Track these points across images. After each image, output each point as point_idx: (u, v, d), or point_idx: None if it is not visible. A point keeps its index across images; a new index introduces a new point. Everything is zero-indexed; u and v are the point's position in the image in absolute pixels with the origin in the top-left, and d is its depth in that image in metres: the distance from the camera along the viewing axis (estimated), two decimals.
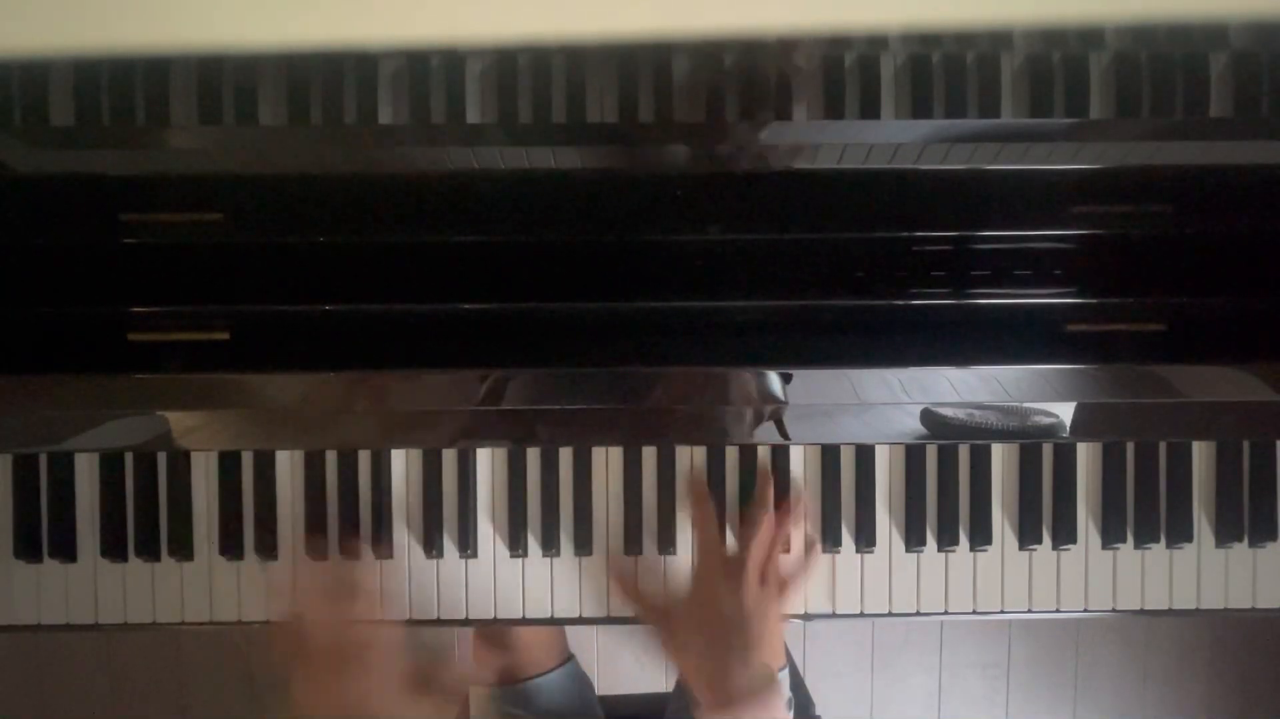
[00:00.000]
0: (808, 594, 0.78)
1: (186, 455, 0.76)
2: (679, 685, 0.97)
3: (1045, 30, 0.70)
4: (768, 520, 0.73)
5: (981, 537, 0.77)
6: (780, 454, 0.77)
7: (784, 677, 0.93)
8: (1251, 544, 0.78)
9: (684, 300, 0.72)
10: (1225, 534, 0.77)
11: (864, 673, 1.55)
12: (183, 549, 0.76)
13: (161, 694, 1.55)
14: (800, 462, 0.78)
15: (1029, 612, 0.79)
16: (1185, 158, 0.70)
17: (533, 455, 0.77)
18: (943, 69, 0.72)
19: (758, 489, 0.76)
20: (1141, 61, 0.71)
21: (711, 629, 0.69)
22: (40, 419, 0.73)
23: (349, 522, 0.76)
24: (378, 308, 0.71)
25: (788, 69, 0.72)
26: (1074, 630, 1.60)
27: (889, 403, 0.73)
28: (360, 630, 0.69)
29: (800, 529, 0.76)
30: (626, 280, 0.71)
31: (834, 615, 0.78)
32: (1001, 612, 0.79)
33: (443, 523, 0.77)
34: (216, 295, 0.71)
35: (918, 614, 0.78)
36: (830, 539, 0.78)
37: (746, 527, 0.74)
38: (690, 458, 0.78)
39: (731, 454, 0.78)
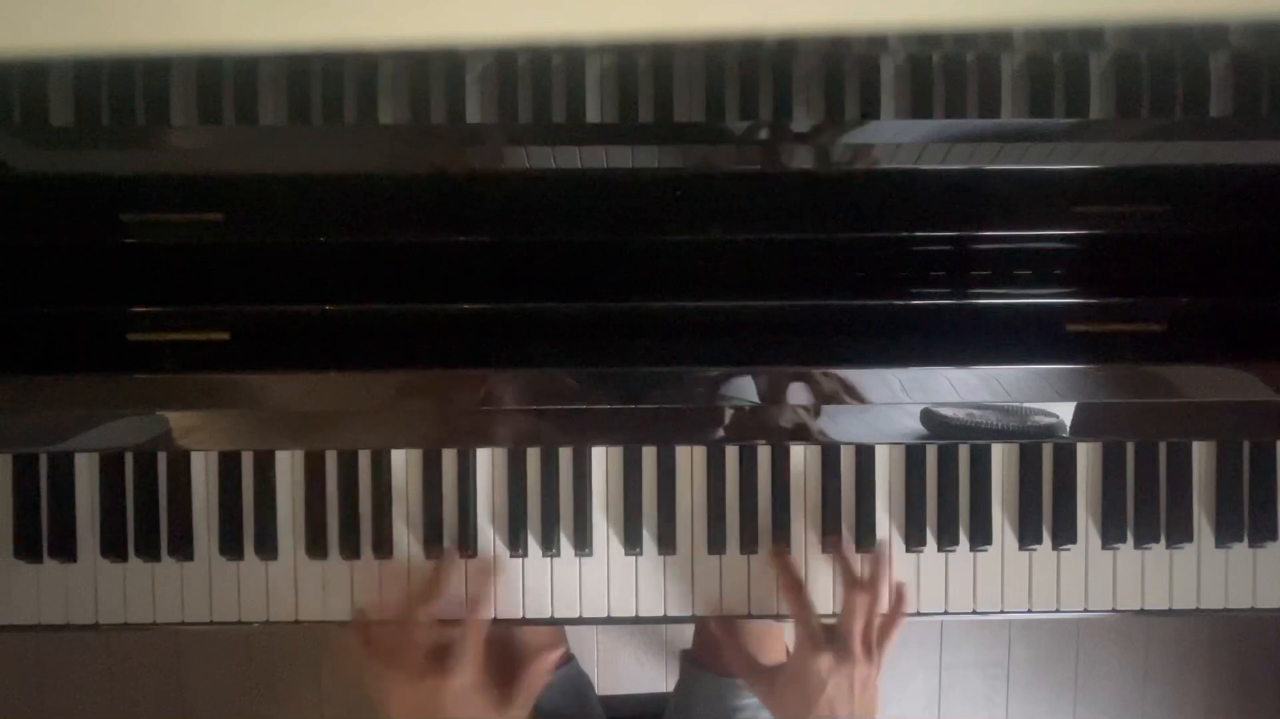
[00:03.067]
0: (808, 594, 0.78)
1: (186, 455, 0.76)
2: (679, 685, 0.97)
3: (1045, 30, 0.70)
4: (866, 595, 0.73)
5: (981, 537, 0.77)
6: (780, 454, 0.77)
7: None
8: (1251, 544, 0.78)
9: (684, 300, 0.72)
10: (1225, 534, 0.77)
11: None
12: (183, 549, 0.76)
13: (161, 694, 1.55)
14: (800, 461, 0.78)
15: (1029, 612, 0.79)
16: (1185, 158, 0.70)
17: (533, 455, 0.77)
18: (943, 69, 0.72)
19: (846, 569, 0.75)
20: (1141, 61, 0.71)
21: (819, 701, 0.70)
22: (40, 419, 0.73)
23: (349, 522, 0.76)
24: (378, 308, 0.71)
25: (787, 69, 0.72)
26: (1074, 630, 1.60)
27: (889, 403, 0.73)
28: (444, 632, 0.71)
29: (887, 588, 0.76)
30: (626, 280, 0.71)
31: (834, 615, 0.78)
32: (1001, 612, 0.79)
33: (443, 523, 0.77)
34: (216, 295, 0.71)
35: (918, 614, 0.78)
36: (831, 539, 0.77)
37: (849, 610, 0.73)
38: (690, 458, 0.78)
39: (732, 454, 0.78)
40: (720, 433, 0.75)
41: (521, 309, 0.72)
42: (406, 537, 0.77)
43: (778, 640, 0.95)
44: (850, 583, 0.74)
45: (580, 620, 0.78)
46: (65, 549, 0.76)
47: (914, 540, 0.78)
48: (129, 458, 0.76)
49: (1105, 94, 0.72)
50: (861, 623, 0.72)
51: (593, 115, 0.72)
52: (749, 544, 0.77)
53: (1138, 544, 0.78)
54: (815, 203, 0.72)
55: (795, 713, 0.72)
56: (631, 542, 0.77)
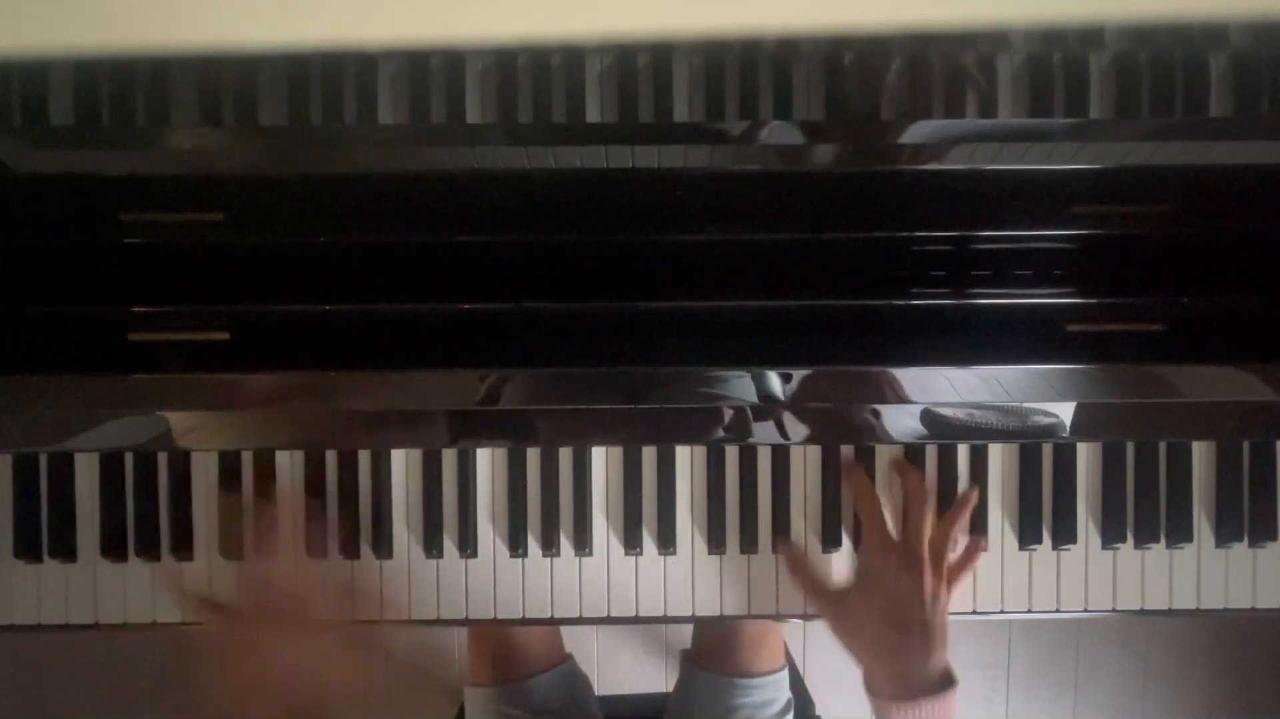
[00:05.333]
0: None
1: (186, 455, 0.76)
2: (679, 685, 0.97)
3: (1045, 30, 0.70)
4: (946, 517, 0.73)
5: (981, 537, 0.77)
6: (780, 454, 0.77)
7: (784, 677, 0.93)
8: (1251, 544, 0.78)
9: (684, 300, 0.72)
10: (1225, 534, 0.77)
11: (864, 692, 1.54)
12: (183, 549, 0.76)
13: (161, 694, 1.55)
14: (801, 461, 0.78)
15: (1029, 612, 0.79)
16: (1185, 158, 0.70)
17: (533, 455, 0.77)
18: (943, 69, 0.72)
19: (916, 486, 0.75)
20: (1141, 61, 0.71)
21: (891, 619, 0.70)
22: (40, 419, 0.73)
23: (349, 522, 0.76)
24: (378, 308, 0.71)
25: (787, 69, 0.72)
26: (1074, 630, 1.60)
27: (889, 403, 0.73)
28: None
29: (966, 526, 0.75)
30: (626, 280, 0.71)
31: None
32: (1001, 612, 0.79)
33: (443, 523, 0.77)
34: (216, 295, 0.71)
35: None
36: (829, 539, 0.78)
37: (919, 521, 0.73)
38: (690, 458, 0.78)
39: (732, 454, 0.78)
40: (720, 433, 0.75)
41: (521, 309, 0.72)
42: (407, 537, 0.77)
43: (778, 640, 0.95)
44: (920, 498, 0.73)
45: (580, 620, 0.78)
46: (65, 549, 0.76)
47: None
48: (129, 458, 0.76)
49: (1105, 94, 0.72)
50: (932, 535, 0.72)
51: (593, 115, 0.72)
52: (749, 544, 0.77)
53: (1138, 544, 0.78)
54: (815, 203, 0.72)
55: (862, 627, 0.71)
56: (631, 542, 0.77)
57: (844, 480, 0.77)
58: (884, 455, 0.78)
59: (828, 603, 0.75)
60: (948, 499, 0.77)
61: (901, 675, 0.68)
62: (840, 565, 0.78)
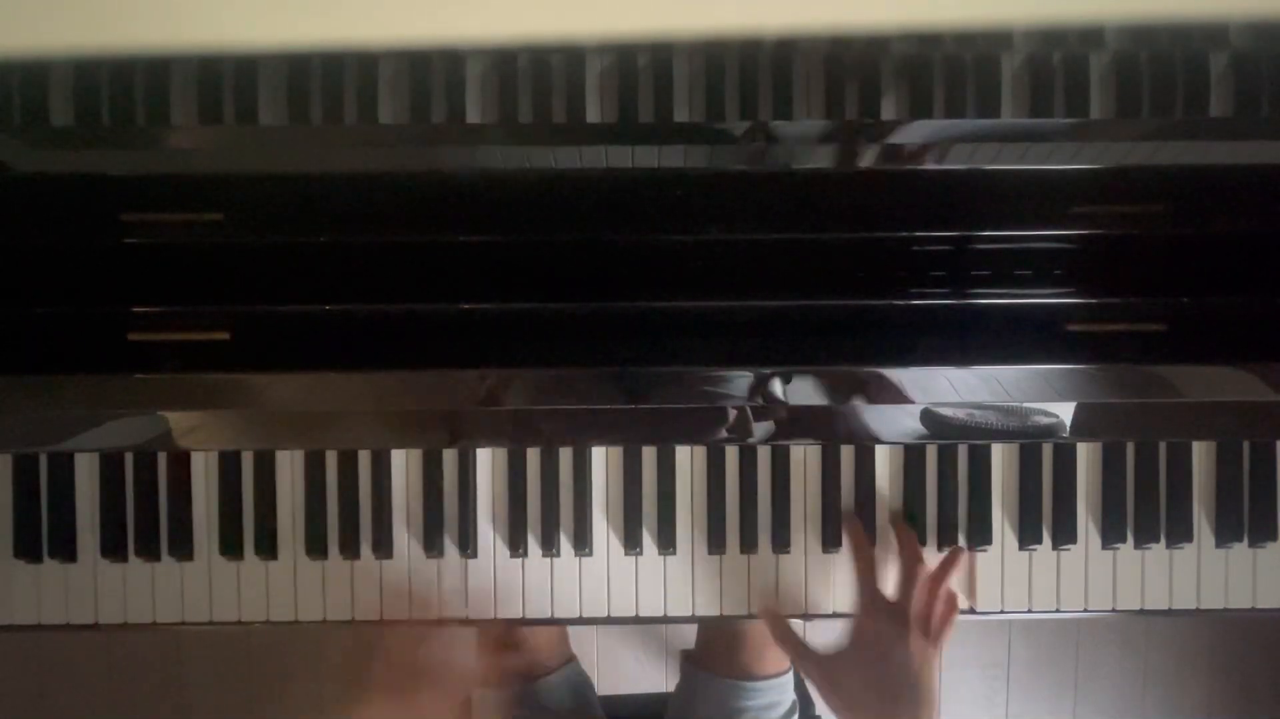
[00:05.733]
0: (808, 594, 0.78)
1: (186, 455, 0.76)
2: (680, 686, 0.97)
3: (1045, 30, 0.70)
4: (931, 575, 0.73)
5: (981, 537, 0.77)
6: (780, 454, 0.77)
7: (789, 679, 0.93)
8: (1251, 544, 0.78)
9: (684, 300, 0.72)
10: (1225, 534, 0.77)
11: None
12: (183, 549, 0.76)
13: (161, 694, 1.55)
14: (801, 461, 0.78)
15: (1029, 612, 0.79)
16: (1185, 158, 0.70)
17: (533, 455, 0.77)
18: (943, 69, 0.72)
19: (906, 539, 0.75)
20: (1141, 61, 0.71)
21: (878, 679, 0.69)
22: (40, 419, 0.73)
23: (349, 522, 0.76)
24: (378, 308, 0.71)
25: (787, 69, 0.72)
26: (1074, 630, 1.60)
27: (888, 403, 0.73)
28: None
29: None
30: (626, 280, 0.71)
31: (835, 615, 0.78)
32: (1001, 612, 0.79)
33: (443, 523, 0.77)
34: (216, 295, 0.71)
35: None
36: (829, 540, 0.78)
37: (908, 580, 0.73)
38: (690, 458, 0.78)
39: (732, 454, 0.78)
40: (720, 433, 0.75)
41: (521, 309, 0.72)
42: (406, 537, 0.77)
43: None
44: (913, 561, 0.73)
45: (580, 620, 0.78)
46: (65, 549, 0.76)
47: None
48: (129, 458, 0.76)
49: (1105, 94, 0.72)
50: (923, 599, 0.71)
51: (593, 115, 0.72)
52: (749, 544, 0.77)
53: (1138, 544, 0.78)
54: (815, 203, 0.72)
55: (853, 690, 0.71)
56: (631, 542, 0.77)
57: (844, 532, 0.77)
58: (882, 455, 0.78)
59: (814, 665, 0.74)
60: (948, 496, 0.77)
61: None
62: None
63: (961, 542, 0.78)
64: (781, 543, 0.77)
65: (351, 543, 0.76)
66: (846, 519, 0.77)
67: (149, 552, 0.76)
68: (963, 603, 0.76)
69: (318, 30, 0.22)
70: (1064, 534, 0.77)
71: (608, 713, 0.96)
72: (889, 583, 0.75)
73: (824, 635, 0.75)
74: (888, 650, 0.70)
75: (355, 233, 0.71)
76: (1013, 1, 0.22)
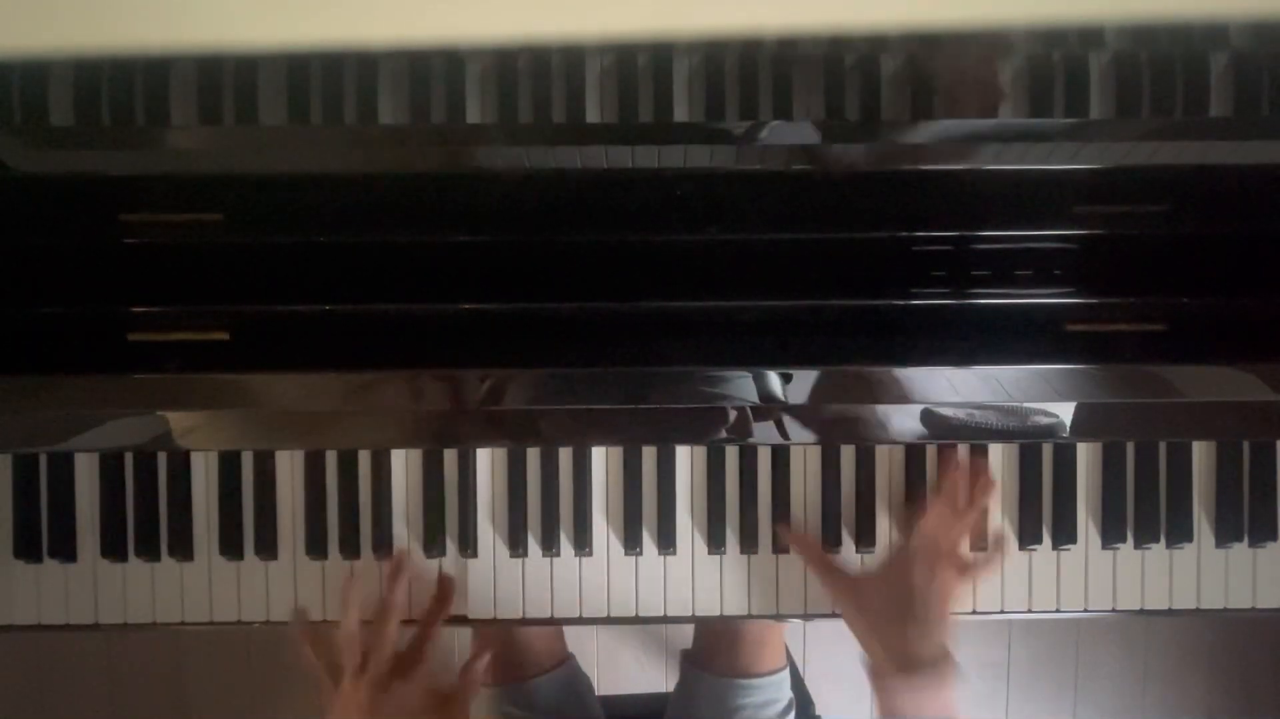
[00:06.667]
0: (808, 594, 0.78)
1: (186, 455, 0.76)
2: (679, 686, 0.97)
3: (1045, 30, 0.70)
4: (962, 508, 0.74)
5: (981, 537, 0.77)
6: (780, 454, 0.77)
7: (785, 677, 0.93)
8: (1251, 544, 0.78)
9: (684, 300, 0.72)
10: (1225, 534, 0.77)
11: (864, 673, 1.54)
12: (183, 549, 0.76)
13: (161, 694, 1.55)
14: (800, 461, 0.78)
15: (1029, 612, 0.79)
16: (1185, 158, 0.70)
17: (533, 455, 0.77)
18: (943, 69, 0.72)
19: (949, 478, 0.76)
20: (1141, 61, 0.71)
21: (897, 596, 0.71)
22: (40, 419, 0.73)
23: (349, 522, 0.76)
24: (378, 308, 0.71)
25: (787, 69, 0.72)
26: (1074, 630, 1.60)
27: (889, 403, 0.73)
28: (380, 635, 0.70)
29: (989, 523, 0.77)
30: (626, 280, 0.71)
31: (834, 615, 0.78)
32: (1001, 612, 0.79)
33: (443, 523, 0.77)
34: (216, 295, 0.71)
35: None
36: (830, 539, 0.78)
37: (941, 509, 0.74)
38: (690, 458, 0.78)
39: (732, 454, 0.78)
40: (720, 433, 0.75)
41: (521, 309, 0.72)
42: (406, 537, 0.77)
43: (779, 641, 0.95)
44: (947, 494, 0.74)
45: (580, 620, 0.78)
46: (65, 549, 0.76)
47: None
48: (129, 458, 0.76)
49: (1105, 94, 0.72)
50: (954, 534, 0.73)
51: (593, 115, 0.72)
52: (749, 544, 0.77)
53: (1138, 544, 0.78)
54: (815, 203, 0.72)
55: (870, 615, 0.72)
56: (631, 542, 0.77)
57: (941, 467, 0.77)
58: (882, 455, 0.78)
59: (841, 586, 0.75)
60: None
61: (899, 649, 0.69)
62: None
63: (961, 541, 0.78)
64: (781, 543, 0.77)
65: (351, 543, 0.76)
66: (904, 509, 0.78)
67: (149, 552, 0.76)
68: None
69: (318, 30, 0.22)
70: (1064, 534, 0.77)
71: (607, 713, 0.96)
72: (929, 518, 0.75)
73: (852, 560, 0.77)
74: (909, 578, 0.71)
75: (355, 233, 0.71)
76: (1013, 1, 0.22)
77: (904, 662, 0.68)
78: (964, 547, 0.75)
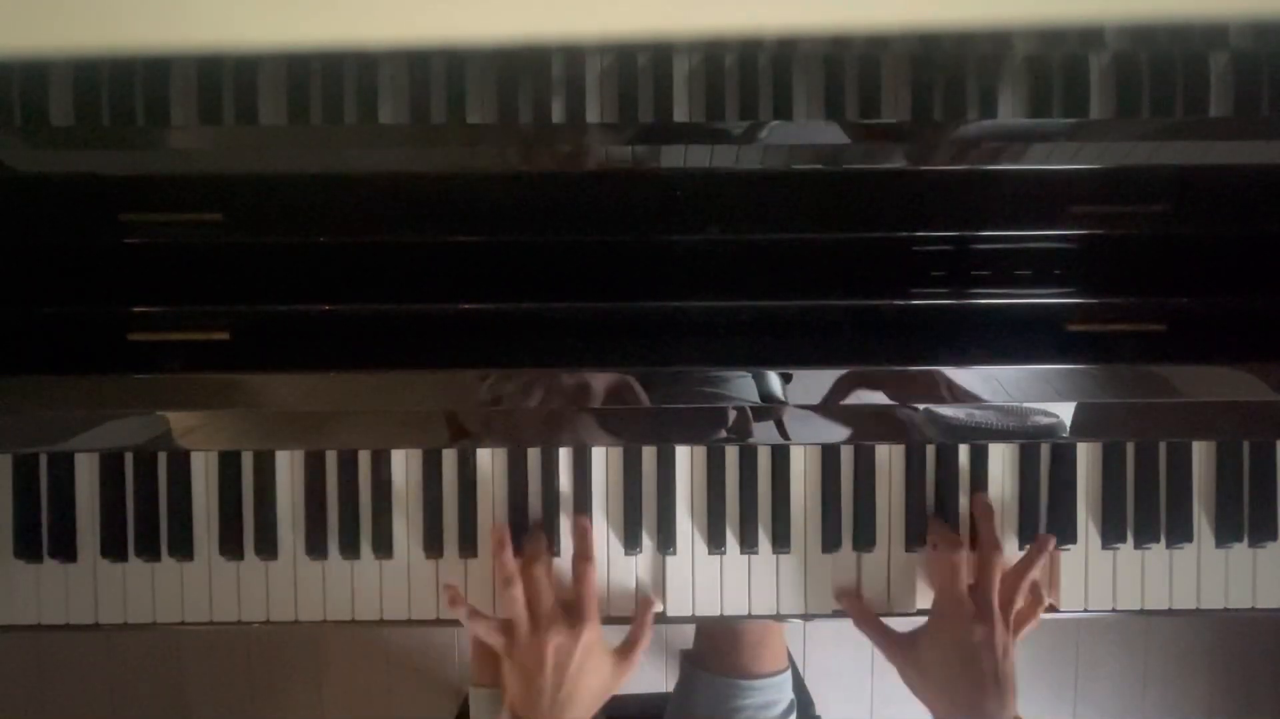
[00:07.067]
0: (808, 594, 0.78)
1: (186, 455, 0.76)
2: (679, 685, 0.97)
3: (1045, 30, 0.70)
4: (1016, 567, 0.74)
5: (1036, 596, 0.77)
6: (780, 454, 0.77)
7: (787, 678, 0.93)
8: (1251, 544, 0.78)
9: (684, 300, 0.72)
10: (1225, 534, 0.77)
11: (864, 673, 1.54)
12: (183, 549, 0.76)
13: (161, 694, 1.55)
14: (801, 461, 0.78)
15: None
16: (1185, 158, 0.70)
17: (533, 455, 0.77)
18: (943, 69, 0.72)
19: (988, 529, 0.75)
20: (1141, 61, 0.71)
21: (961, 662, 0.71)
22: (40, 419, 0.73)
23: (349, 522, 0.76)
24: (378, 308, 0.71)
25: (787, 69, 0.72)
26: (1074, 630, 1.60)
27: (889, 403, 0.73)
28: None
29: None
30: (626, 280, 0.71)
31: (834, 615, 0.78)
32: None
33: (443, 523, 0.77)
34: (216, 295, 0.71)
35: (917, 614, 0.78)
36: (829, 540, 0.78)
37: (991, 570, 0.73)
38: (690, 458, 0.78)
39: (732, 454, 0.78)
40: (720, 433, 0.75)
41: (521, 309, 0.72)
42: (406, 537, 0.77)
43: (780, 641, 0.95)
44: (992, 549, 0.74)
45: None
46: (65, 549, 0.76)
47: (913, 540, 0.78)
48: (129, 458, 0.76)
49: (1105, 94, 0.72)
50: (1004, 589, 0.72)
51: (593, 115, 0.72)
52: (749, 544, 0.77)
53: (1138, 544, 0.78)
54: (815, 203, 0.72)
55: (935, 674, 0.72)
56: (631, 542, 0.77)
57: (929, 529, 0.77)
58: (882, 455, 0.78)
59: (898, 649, 0.75)
60: (948, 497, 0.77)
61: (973, 716, 0.69)
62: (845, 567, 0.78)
63: (1017, 600, 0.77)
64: (782, 543, 0.77)
65: (351, 543, 0.76)
66: (932, 521, 0.78)
67: (149, 552, 0.76)
68: (1045, 599, 0.76)
69: (318, 30, 0.22)
70: (1064, 534, 0.77)
71: (607, 713, 0.96)
72: (969, 573, 0.75)
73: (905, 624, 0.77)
74: (971, 637, 0.71)
75: (355, 233, 0.71)
76: (1013, 1, 0.22)
77: None
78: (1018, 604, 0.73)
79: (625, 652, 0.75)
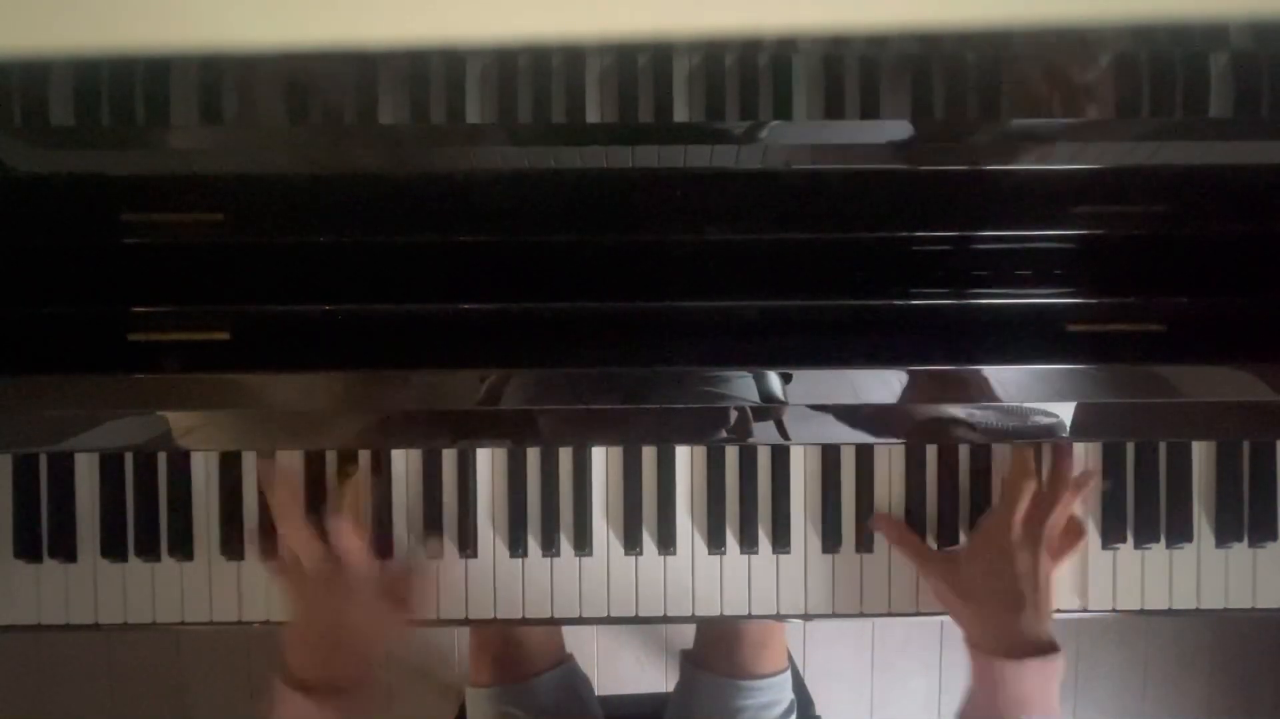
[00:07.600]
0: (808, 594, 0.78)
1: (186, 455, 0.76)
2: (679, 686, 0.97)
3: (1045, 30, 0.70)
4: (1064, 499, 0.73)
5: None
6: (780, 454, 0.77)
7: (787, 678, 0.93)
8: (1251, 544, 0.78)
9: (684, 300, 0.72)
10: (1225, 534, 0.77)
11: (864, 673, 1.55)
12: (183, 549, 0.76)
13: (161, 694, 1.55)
14: (800, 461, 0.78)
15: None
16: (1185, 158, 0.70)
17: (533, 455, 0.77)
18: (942, 69, 0.72)
19: (1059, 465, 0.75)
20: (1141, 61, 0.71)
21: (1002, 581, 0.70)
22: (40, 419, 0.73)
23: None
24: (378, 308, 0.71)
25: (787, 69, 0.72)
26: (1074, 630, 1.60)
27: (889, 403, 0.73)
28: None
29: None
30: (626, 280, 0.71)
31: (834, 615, 0.78)
32: None
33: (443, 523, 0.77)
34: (216, 295, 0.71)
35: (917, 614, 0.78)
36: (829, 540, 0.78)
37: (1050, 498, 0.73)
38: (690, 458, 0.78)
39: (732, 454, 0.78)
40: (720, 433, 0.75)
41: (521, 309, 0.72)
42: (407, 537, 0.77)
43: (780, 642, 0.95)
44: (1058, 489, 0.73)
45: (580, 620, 0.78)
46: (65, 549, 0.76)
47: None
48: (129, 458, 0.76)
49: (1105, 94, 0.72)
50: (1047, 515, 0.72)
51: (593, 115, 0.72)
52: (749, 544, 0.77)
53: (1138, 544, 0.78)
54: (815, 203, 0.72)
55: (973, 595, 0.71)
56: (631, 542, 0.77)
57: (1015, 463, 0.76)
58: (882, 455, 0.78)
59: (936, 567, 0.74)
60: (949, 496, 0.77)
61: (1012, 639, 0.68)
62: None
63: (963, 542, 0.78)
64: (782, 543, 0.77)
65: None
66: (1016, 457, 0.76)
67: (149, 552, 0.76)
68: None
69: (318, 30, 0.22)
70: None
71: (607, 713, 0.96)
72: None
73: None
74: (1014, 559, 0.70)
75: (355, 233, 0.71)
76: (1013, 1, 0.22)
77: (1015, 647, 0.68)
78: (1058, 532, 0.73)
79: (393, 588, 0.73)
